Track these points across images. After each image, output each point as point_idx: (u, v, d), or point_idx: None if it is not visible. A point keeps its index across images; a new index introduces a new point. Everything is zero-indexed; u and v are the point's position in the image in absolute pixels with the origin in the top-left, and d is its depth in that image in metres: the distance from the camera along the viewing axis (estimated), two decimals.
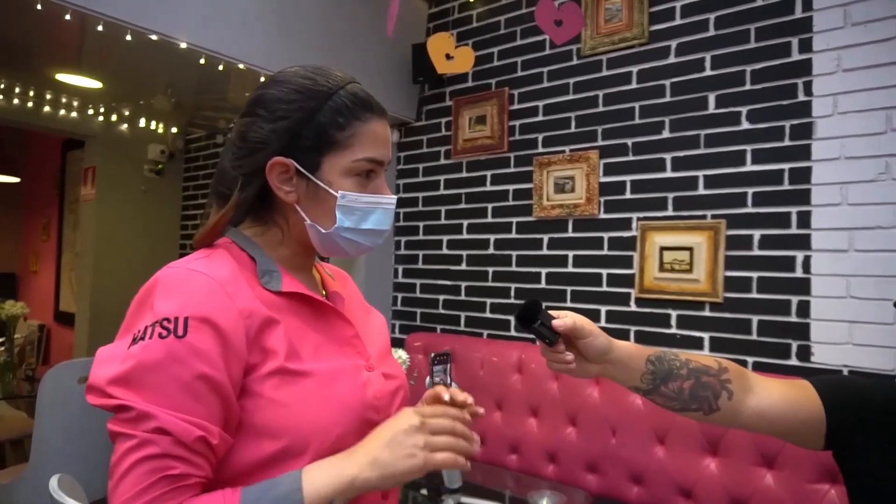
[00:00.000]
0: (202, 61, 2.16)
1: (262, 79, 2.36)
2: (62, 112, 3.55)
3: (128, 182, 4.09)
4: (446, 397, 0.83)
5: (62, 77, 2.86)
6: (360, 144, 0.82)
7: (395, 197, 0.89)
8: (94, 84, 2.97)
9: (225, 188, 0.87)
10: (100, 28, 1.88)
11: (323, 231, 0.84)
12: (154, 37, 1.98)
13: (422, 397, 0.90)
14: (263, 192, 0.84)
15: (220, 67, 2.24)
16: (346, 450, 0.77)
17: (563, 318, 0.95)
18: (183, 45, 2.05)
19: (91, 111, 3.65)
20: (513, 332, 2.56)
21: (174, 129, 4.11)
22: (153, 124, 3.96)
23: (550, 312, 0.94)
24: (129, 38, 1.97)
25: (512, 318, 2.56)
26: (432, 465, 0.75)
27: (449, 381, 1.60)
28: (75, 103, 3.48)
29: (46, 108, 3.49)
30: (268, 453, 0.74)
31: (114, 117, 3.78)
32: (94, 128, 3.82)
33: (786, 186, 1.93)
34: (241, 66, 2.23)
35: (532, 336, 0.99)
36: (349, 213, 0.83)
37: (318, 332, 0.84)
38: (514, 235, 2.59)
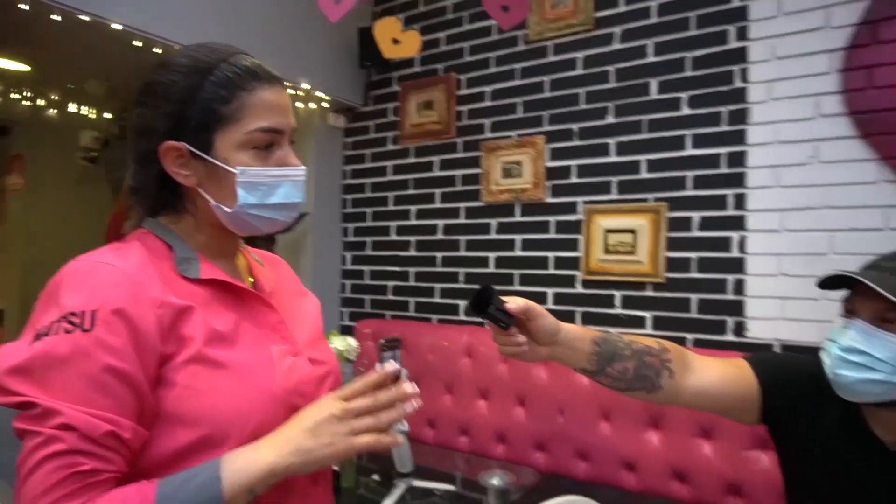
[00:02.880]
0: (137, 43, 2.07)
1: None
2: None
3: (59, 170, 3.89)
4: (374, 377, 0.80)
5: None
6: (251, 115, 0.79)
7: (304, 168, 0.85)
8: (21, 67, 2.80)
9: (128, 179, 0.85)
10: (23, 6, 1.77)
11: (228, 210, 0.81)
12: (85, 17, 1.88)
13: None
14: (166, 180, 0.81)
15: (157, 50, 2.15)
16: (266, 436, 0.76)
17: (515, 301, 0.96)
18: (116, 27, 1.95)
19: (16, 95, 3.44)
20: (462, 317, 2.57)
21: (108, 115, 3.93)
22: (85, 109, 3.77)
23: (501, 297, 0.96)
24: (56, 17, 1.86)
25: (461, 303, 2.58)
26: (356, 449, 0.74)
27: (399, 367, 1.61)
28: None
29: None
30: (187, 442, 0.72)
31: (41, 102, 3.58)
32: (20, 112, 3.61)
33: (723, 170, 2.00)
34: (178, 48, 2.14)
35: (483, 321, 1.00)
36: (252, 188, 0.80)
37: (239, 318, 0.81)
38: (462, 220, 2.60)
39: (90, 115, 3.84)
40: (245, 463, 0.70)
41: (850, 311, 0.99)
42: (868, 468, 1.01)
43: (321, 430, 0.73)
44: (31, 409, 0.66)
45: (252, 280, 0.92)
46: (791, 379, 1.10)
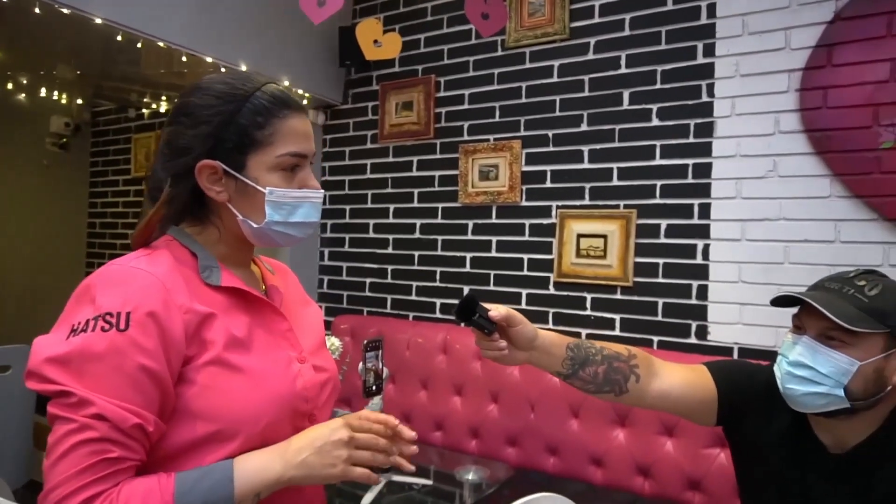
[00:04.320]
0: (119, 38, 2.07)
1: (184, 58, 2.30)
2: None
3: (28, 156, 3.82)
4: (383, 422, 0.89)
5: None
6: (281, 141, 0.87)
7: (322, 191, 0.94)
8: None
9: (157, 192, 0.90)
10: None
11: (255, 226, 0.88)
12: (66, 10, 1.88)
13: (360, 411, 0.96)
14: (197, 194, 0.88)
15: (139, 45, 2.15)
16: (276, 443, 0.83)
17: (498, 309, 1.04)
18: (98, 21, 1.95)
19: None
20: (438, 315, 2.65)
21: (79, 101, 3.86)
22: (55, 94, 3.70)
23: (485, 305, 1.04)
24: (37, 10, 1.86)
25: (438, 301, 2.65)
26: (349, 477, 0.83)
27: (381, 366, 1.67)
28: None
29: None
30: (201, 435, 0.79)
31: (10, 85, 3.50)
32: None
33: (690, 180, 2.11)
34: (160, 44, 2.15)
35: (468, 327, 1.08)
36: (278, 207, 0.88)
37: (253, 325, 0.88)
38: (439, 220, 2.66)
39: (61, 101, 3.77)
40: (255, 472, 0.78)
41: (798, 328, 1.09)
42: (811, 468, 1.11)
43: (328, 451, 0.81)
44: (66, 398, 0.72)
45: (264, 288, 0.99)
46: (746, 386, 1.20)
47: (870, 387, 1.01)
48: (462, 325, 2.54)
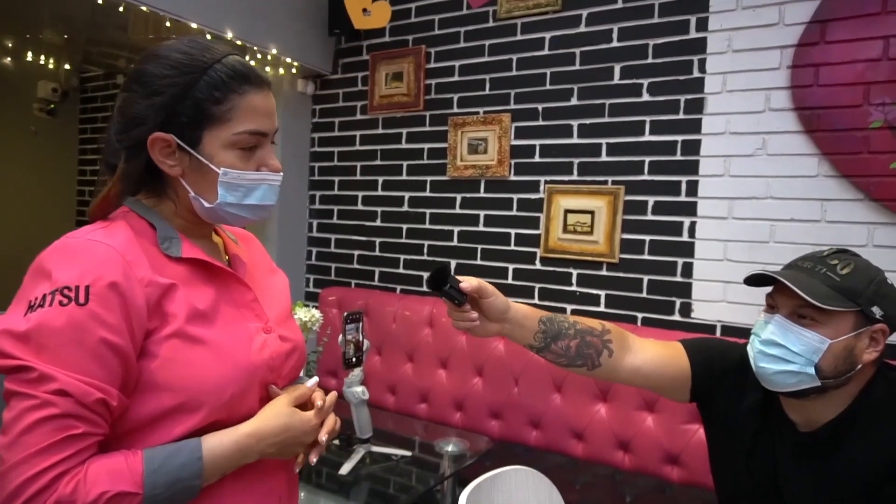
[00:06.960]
0: (100, 1, 2.03)
1: (168, 24, 2.26)
2: None
3: (15, 122, 3.77)
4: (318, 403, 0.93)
5: None
6: (240, 118, 0.83)
7: (281, 173, 0.90)
8: None
9: (113, 159, 0.87)
10: None
11: (207, 204, 0.86)
12: None
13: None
14: (153, 165, 0.85)
15: (121, 8, 2.11)
16: (241, 412, 0.84)
17: (469, 280, 1.03)
18: None
19: None
20: (425, 288, 2.65)
21: (67, 66, 3.80)
22: (42, 59, 3.64)
23: (456, 277, 1.03)
24: None
25: (425, 275, 2.65)
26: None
27: (361, 338, 1.68)
28: None
29: None
30: (165, 407, 0.78)
31: None
32: None
33: (678, 157, 2.09)
34: (143, 8, 2.11)
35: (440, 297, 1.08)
36: (232, 189, 0.85)
37: (217, 296, 0.87)
38: (428, 194, 2.65)
39: (48, 66, 3.71)
40: (222, 452, 0.80)
41: (771, 307, 1.09)
42: (780, 446, 1.12)
43: (289, 445, 0.87)
44: (26, 373, 0.70)
45: (227, 257, 0.97)
46: (719, 363, 1.20)
47: (840, 365, 1.01)
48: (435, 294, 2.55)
